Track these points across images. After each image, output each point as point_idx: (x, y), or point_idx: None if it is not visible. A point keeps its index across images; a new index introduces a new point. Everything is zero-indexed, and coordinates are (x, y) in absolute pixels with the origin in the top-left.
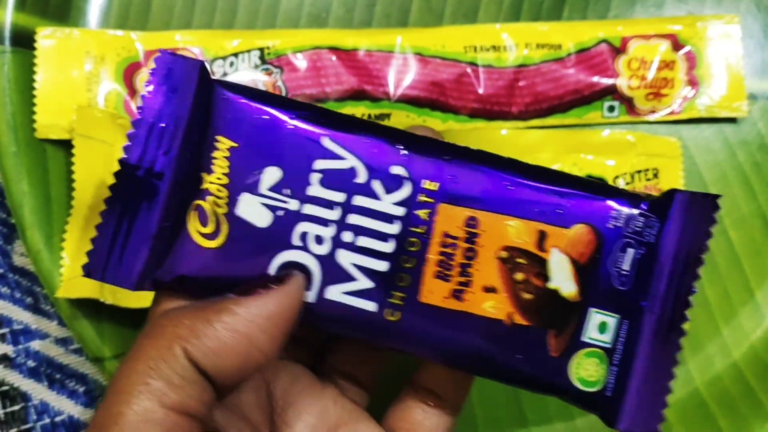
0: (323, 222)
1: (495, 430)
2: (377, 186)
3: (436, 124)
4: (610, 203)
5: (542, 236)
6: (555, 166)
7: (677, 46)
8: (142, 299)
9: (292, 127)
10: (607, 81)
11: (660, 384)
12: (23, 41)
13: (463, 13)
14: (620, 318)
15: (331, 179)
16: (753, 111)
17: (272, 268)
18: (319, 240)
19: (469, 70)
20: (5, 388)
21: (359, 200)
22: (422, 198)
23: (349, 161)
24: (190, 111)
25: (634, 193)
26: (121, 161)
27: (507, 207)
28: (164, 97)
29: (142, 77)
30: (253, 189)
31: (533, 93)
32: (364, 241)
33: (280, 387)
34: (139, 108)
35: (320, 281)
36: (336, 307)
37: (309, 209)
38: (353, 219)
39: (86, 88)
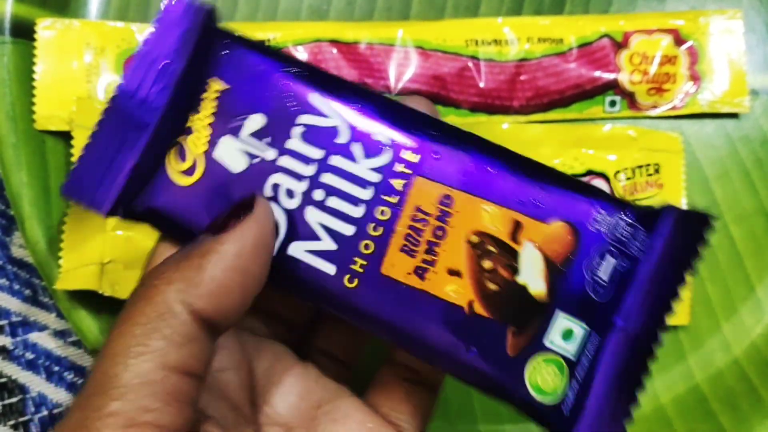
0: (297, 176)
1: (495, 424)
2: (356, 149)
3: None
4: (595, 205)
5: (517, 226)
6: (556, 161)
7: (679, 41)
8: None
9: (284, 79)
10: (608, 76)
11: (622, 411)
12: (23, 32)
13: (465, 6)
14: (589, 330)
15: (312, 135)
16: (755, 107)
17: None
18: (290, 194)
19: (470, 63)
20: (3, 380)
21: (336, 160)
22: (400, 168)
23: (333, 120)
24: (191, 53)
25: (621, 200)
26: (117, 88)
27: (485, 191)
28: (168, 37)
29: None
30: (234, 133)
31: (534, 87)
32: (334, 202)
33: (261, 366)
34: (143, 42)
35: (284, 235)
36: (295, 264)
37: (285, 161)
38: (327, 178)
39: (86, 79)
